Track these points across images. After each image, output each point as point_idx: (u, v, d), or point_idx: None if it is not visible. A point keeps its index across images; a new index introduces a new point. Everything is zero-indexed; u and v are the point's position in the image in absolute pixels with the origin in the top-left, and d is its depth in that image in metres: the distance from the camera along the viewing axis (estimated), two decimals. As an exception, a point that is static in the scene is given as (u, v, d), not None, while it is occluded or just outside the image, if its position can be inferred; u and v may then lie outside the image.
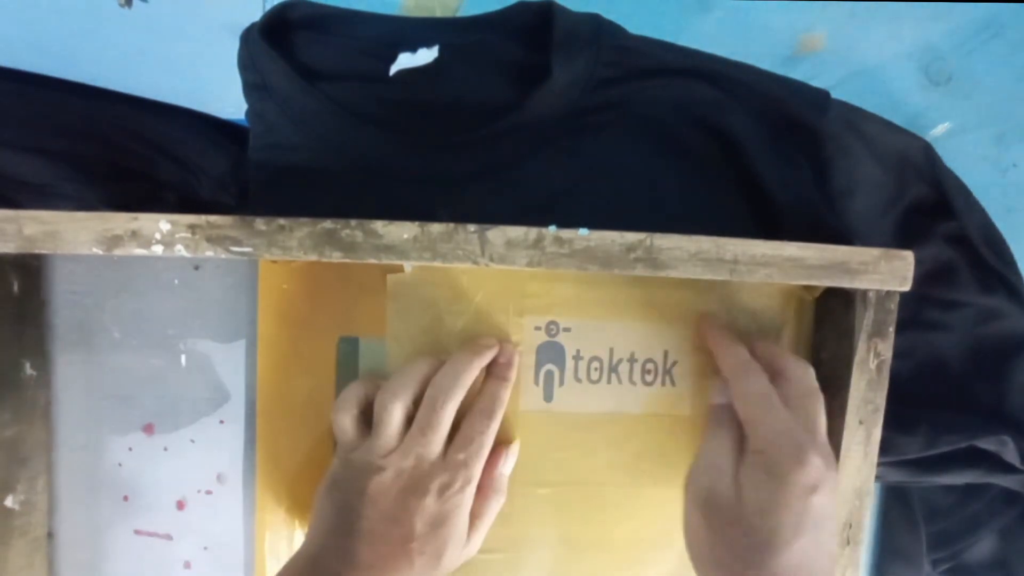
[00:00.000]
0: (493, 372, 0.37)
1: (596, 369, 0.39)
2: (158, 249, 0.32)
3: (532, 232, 0.33)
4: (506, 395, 0.37)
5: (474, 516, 0.36)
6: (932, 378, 0.43)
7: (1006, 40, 0.44)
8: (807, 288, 0.39)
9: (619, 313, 0.39)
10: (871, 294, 0.35)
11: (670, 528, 0.40)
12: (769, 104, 0.39)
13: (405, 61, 0.39)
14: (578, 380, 0.39)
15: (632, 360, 0.39)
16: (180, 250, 0.32)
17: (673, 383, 0.39)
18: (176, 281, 0.39)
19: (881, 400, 0.36)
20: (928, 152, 0.41)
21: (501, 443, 0.38)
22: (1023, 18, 0.44)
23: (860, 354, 0.35)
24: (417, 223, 0.32)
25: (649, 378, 0.39)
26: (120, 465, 0.39)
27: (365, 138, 0.39)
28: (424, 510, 0.33)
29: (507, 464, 0.38)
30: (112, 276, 0.38)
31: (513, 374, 0.37)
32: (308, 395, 0.38)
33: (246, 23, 0.38)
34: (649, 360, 0.39)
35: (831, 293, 0.38)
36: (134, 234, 0.32)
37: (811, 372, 0.36)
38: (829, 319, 0.38)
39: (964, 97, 0.45)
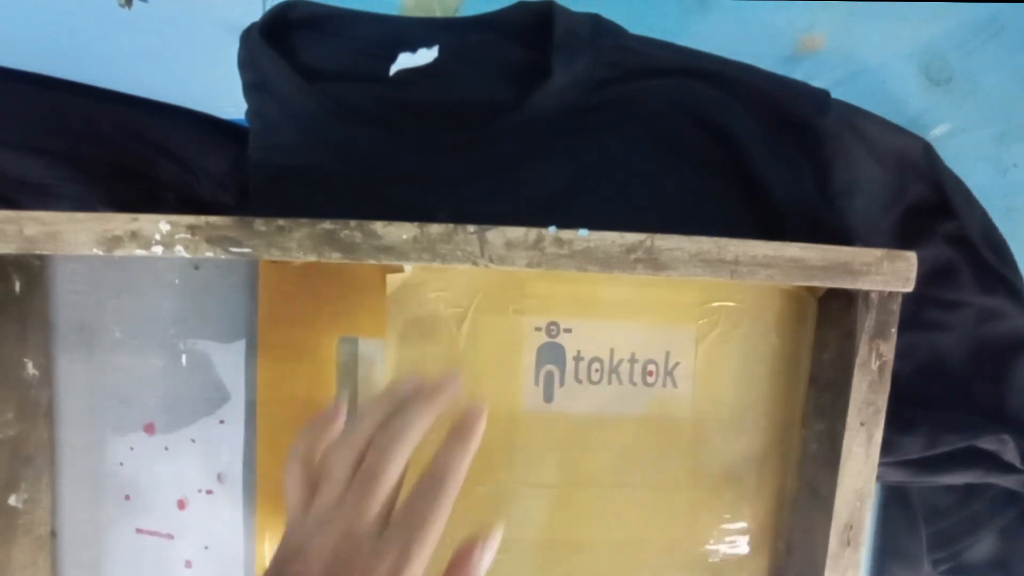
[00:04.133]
0: (452, 433, 0.30)
1: (597, 370, 0.39)
2: (158, 250, 0.32)
3: (532, 233, 0.33)
4: (463, 465, 0.29)
5: None
6: (932, 378, 0.43)
7: (1006, 40, 0.44)
8: (809, 289, 0.39)
9: (620, 313, 0.39)
10: (873, 295, 0.35)
11: (669, 530, 0.40)
12: (769, 104, 0.39)
13: (405, 61, 0.39)
14: (578, 381, 0.39)
15: (633, 361, 0.39)
16: (180, 251, 0.32)
17: (675, 384, 0.39)
18: (176, 281, 0.39)
19: (883, 401, 0.36)
20: (928, 152, 0.41)
21: (478, 535, 0.30)
22: (1023, 18, 0.44)
23: (862, 355, 0.35)
24: (416, 224, 0.32)
25: (650, 379, 0.39)
26: (121, 464, 0.39)
27: (365, 138, 0.39)
28: None
29: (482, 560, 0.29)
30: (113, 276, 0.38)
31: (475, 441, 0.29)
32: (308, 395, 0.38)
33: (246, 23, 0.38)
34: (650, 361, 0.39)
35: (833, 294, 0.38)
36: (134, 235, 0.32)
37: None
38: (831, 320, 0.38)
39: (964, 97, 0.45)
